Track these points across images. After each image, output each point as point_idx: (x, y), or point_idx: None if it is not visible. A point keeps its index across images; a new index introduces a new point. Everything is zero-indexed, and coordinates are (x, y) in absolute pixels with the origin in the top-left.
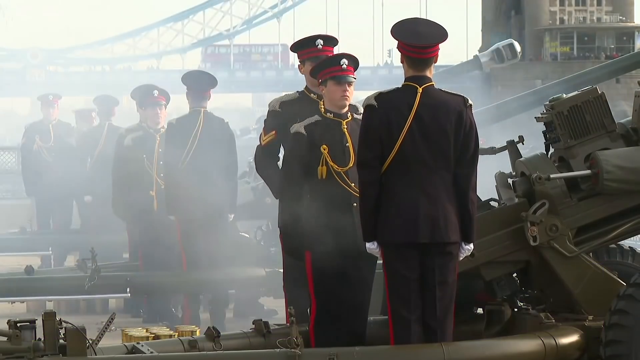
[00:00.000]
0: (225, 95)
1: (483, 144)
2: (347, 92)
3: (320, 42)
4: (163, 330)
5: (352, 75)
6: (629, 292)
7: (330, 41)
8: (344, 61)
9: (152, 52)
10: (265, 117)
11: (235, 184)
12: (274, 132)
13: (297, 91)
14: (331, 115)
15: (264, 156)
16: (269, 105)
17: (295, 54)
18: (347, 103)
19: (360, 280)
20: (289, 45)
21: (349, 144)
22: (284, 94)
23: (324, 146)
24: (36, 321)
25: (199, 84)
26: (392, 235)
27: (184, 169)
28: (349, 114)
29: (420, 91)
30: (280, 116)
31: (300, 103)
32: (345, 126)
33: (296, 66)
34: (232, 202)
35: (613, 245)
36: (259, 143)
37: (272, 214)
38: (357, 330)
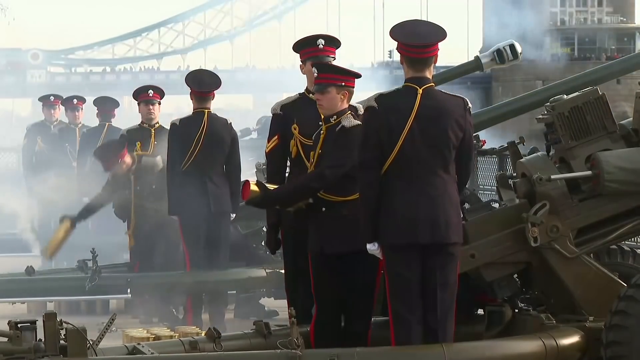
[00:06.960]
0: (227, 96)
1: (484, 145)
2: None
3: (321, 41)
4: (164, 331)
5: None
6: (630, 293)
7: (332, 42)
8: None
9: (153, 53)
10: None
11: (239, 184)
12: (276, 136)
13: (298, 93)
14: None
15: (269, 166)
16: (271, 109)
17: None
18: None
19: (361, 279)
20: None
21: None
22: (284, 96)
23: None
24: (37, 322)
25: (203, 84)
26: (393, 236)
27: (187, 170)
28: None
29: (421, 92)
30: (281, 119)
31: (301, 104)
32: None
33: None
34: (234, 202)
35: (614, 246)
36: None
37: None
38: (358, 331)
